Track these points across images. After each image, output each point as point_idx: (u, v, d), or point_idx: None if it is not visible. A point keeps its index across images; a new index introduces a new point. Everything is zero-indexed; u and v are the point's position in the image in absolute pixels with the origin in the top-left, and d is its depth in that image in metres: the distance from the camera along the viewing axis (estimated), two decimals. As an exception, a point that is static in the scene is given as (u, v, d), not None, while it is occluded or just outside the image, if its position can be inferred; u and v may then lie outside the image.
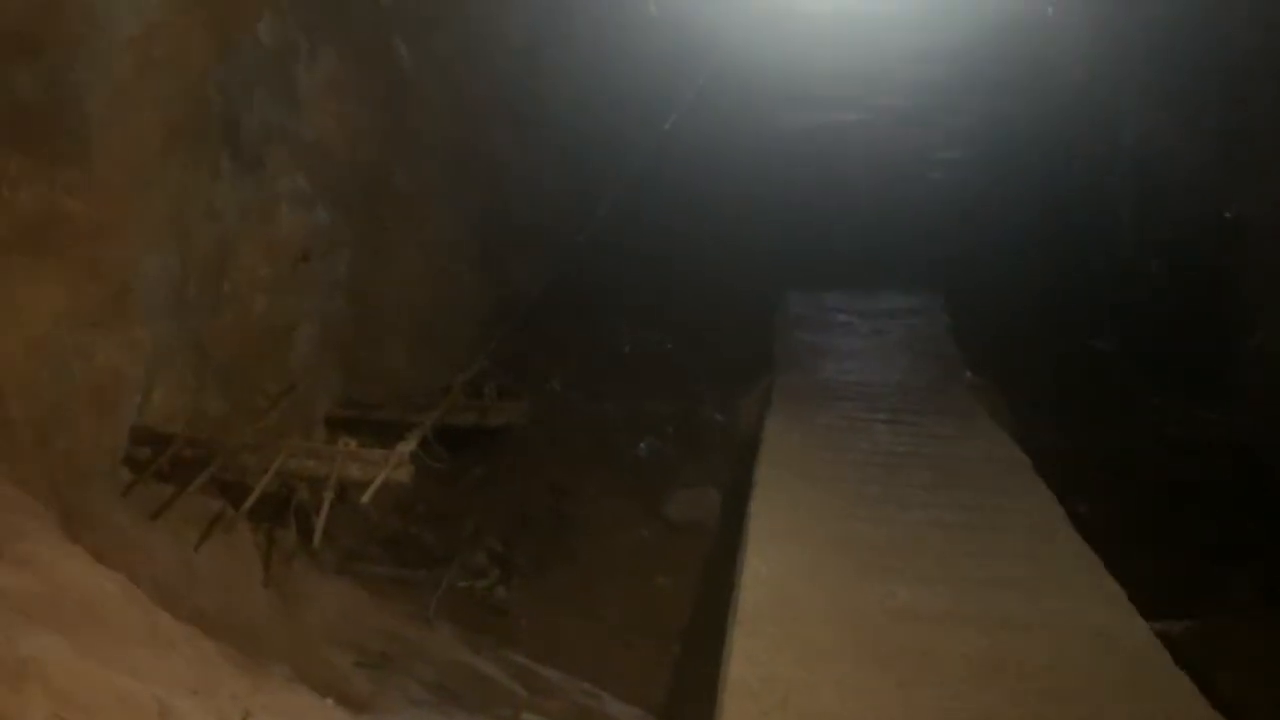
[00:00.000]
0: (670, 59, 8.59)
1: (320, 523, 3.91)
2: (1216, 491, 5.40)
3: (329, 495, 3.86)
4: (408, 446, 4.08)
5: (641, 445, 6.40)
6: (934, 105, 9.98)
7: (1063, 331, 7.00)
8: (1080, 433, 5.90)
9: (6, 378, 3.48)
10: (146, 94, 3.94)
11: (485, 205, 6.86)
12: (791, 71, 9.85)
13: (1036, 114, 8.77)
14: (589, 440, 6.38)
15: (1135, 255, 7.21)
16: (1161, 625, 3.60)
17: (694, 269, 7.86)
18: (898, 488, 4.55)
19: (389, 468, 4.00)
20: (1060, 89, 8.46)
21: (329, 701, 3.52)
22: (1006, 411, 5.99)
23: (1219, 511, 5.21)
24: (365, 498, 3.80)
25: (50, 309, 3.62)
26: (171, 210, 4.27)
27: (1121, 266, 7.33)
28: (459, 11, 6.43)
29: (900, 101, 10.18)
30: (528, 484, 5.99)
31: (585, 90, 7.67)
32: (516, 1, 7.05)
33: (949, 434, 5.31)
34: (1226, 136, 6.19)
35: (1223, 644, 4.07)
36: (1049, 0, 8.48)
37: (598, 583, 5.43)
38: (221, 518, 4.27)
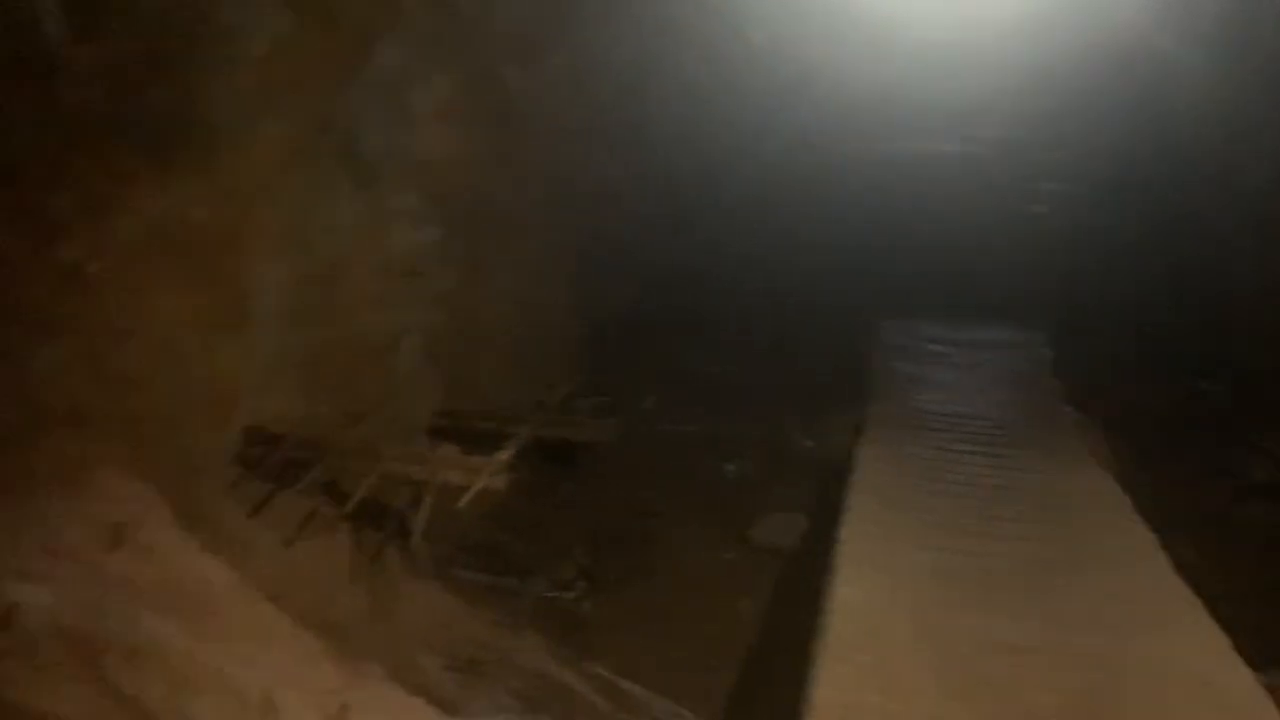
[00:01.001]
0: (772, 89, 8.62)
1: (420, 524, 4.01)
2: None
3: (428, 500, 3.96)
4: (505, 454, 4.16)
5: (728, 468, 6.40)
6: (1038, 138, 9.80)
7: (1168, 371, 6.80)
8: (1185, 475, 5.72)
9: (132, 375, 3.67)
10: (271, 111, 4.12)
11: (583, 228, 6.97)
12: (892, 102, 9.78)
13: (1146, 149, 8.57)
14: (676, 461, 6.40)
15: (1252, 295, 6.96)
16: (1267, 678, 3.47)
17: (788, 297, 7.85)
18: (992, 520, 4.47)
19: (487, 475, 4.09)
20: (1172, 124, 8.25)
21: (420, 702, 3.60)
22: (1108, 449, 5.84)
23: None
24: (463, 502, 3.89)
25: (175, 312, 3.81)
26: (291, 223, 4.45)
27: (1234, 306, 7.10)
28: (566, 40, 6.57)
29: (1004, 133, 10.03)
30: (615, 501, 6.04)
31: (686, 119, 7.75)
32: (623, 31, 7.17)
33: (1047, 469, 5.19)
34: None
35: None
36: (1163, 33, 8.29)
37: (680, 602, 5.44)
38: (323, 518, 4.42)
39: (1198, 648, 3.38)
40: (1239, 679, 3.23)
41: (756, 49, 8.19)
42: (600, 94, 6.82)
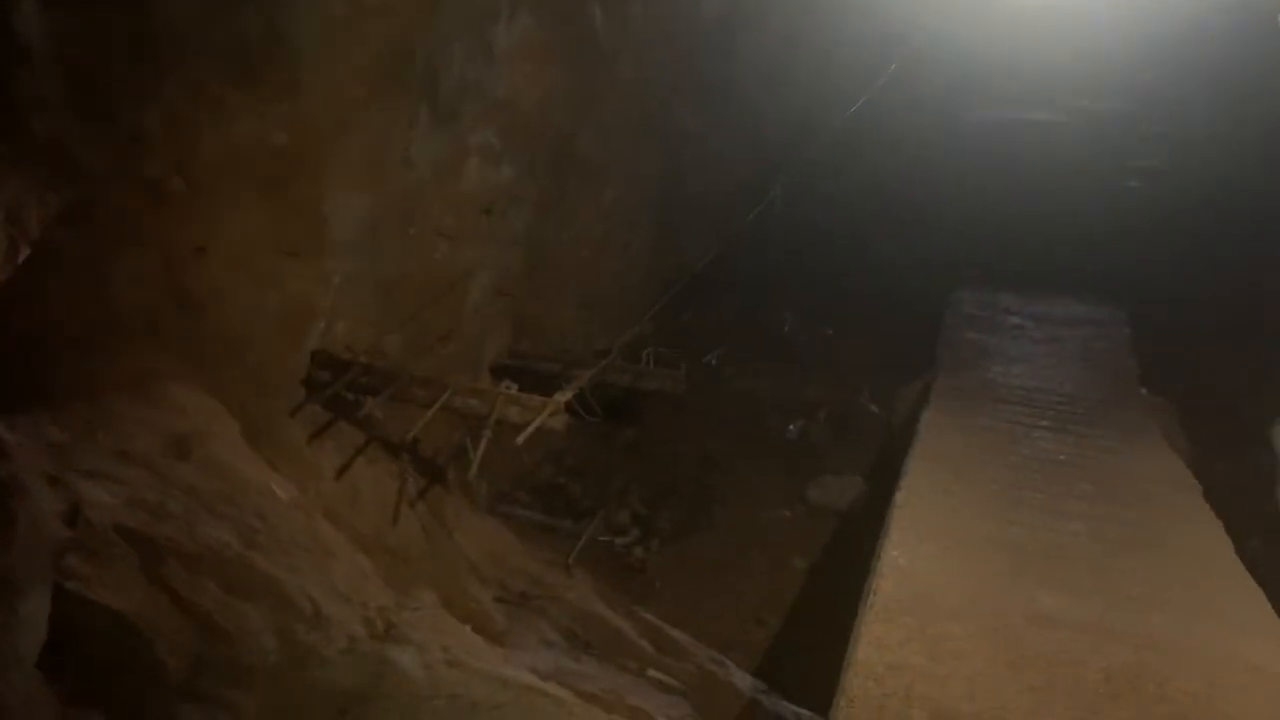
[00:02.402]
0: (864, 43, 8.42)
1: (476, 458, 4.06)
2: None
3: (487, 433, 4.00)
4: (564, 396, 4.18)
5: (791, 427, 6.37)
6: (1139, 112, 9.46)
7: (1251, 356, 6.56)
8: (1258, 463, 5.54)
9: (206, 292, 3.75)
10: (356, 40, 4.14)
11: (663, 174, 6.92)
12: (990, 65, 9.51)
13: (1249, 133, 8.21)
14: (741, 416, 6.39)
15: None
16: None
17: (865, 257, 7.74)
18: (1055, 496, 4.38)
19: (545, 414, 4.12)
20: (1272, 107, 7.88)
21: (467, 629, 3.67)
22: (1181, 432, 5.68)
23: None
24: (520, 439, 3.92)
25: (252, 233, 3.88)
26: (370, 153, 4.48)
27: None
28: (655, -18, 6.50)
29: (1103, 105, 9.69)
30: (676, 451, 6.06)
31: (774, 69, 7.62)
32: (715, -23, 7.07)
33: (1116, 448, 5.06)
34: None
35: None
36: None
37: (734, 555, 5.46)
38: (384, 445, 4.50)
39: (1255, 637, 3.29)
40: (1295, 670, 3.15)
41: (852, 4, 8.01)
42: (688, 39, 6.74)
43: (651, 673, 4.50)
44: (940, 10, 8.55)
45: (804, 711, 4.32)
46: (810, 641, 4.88)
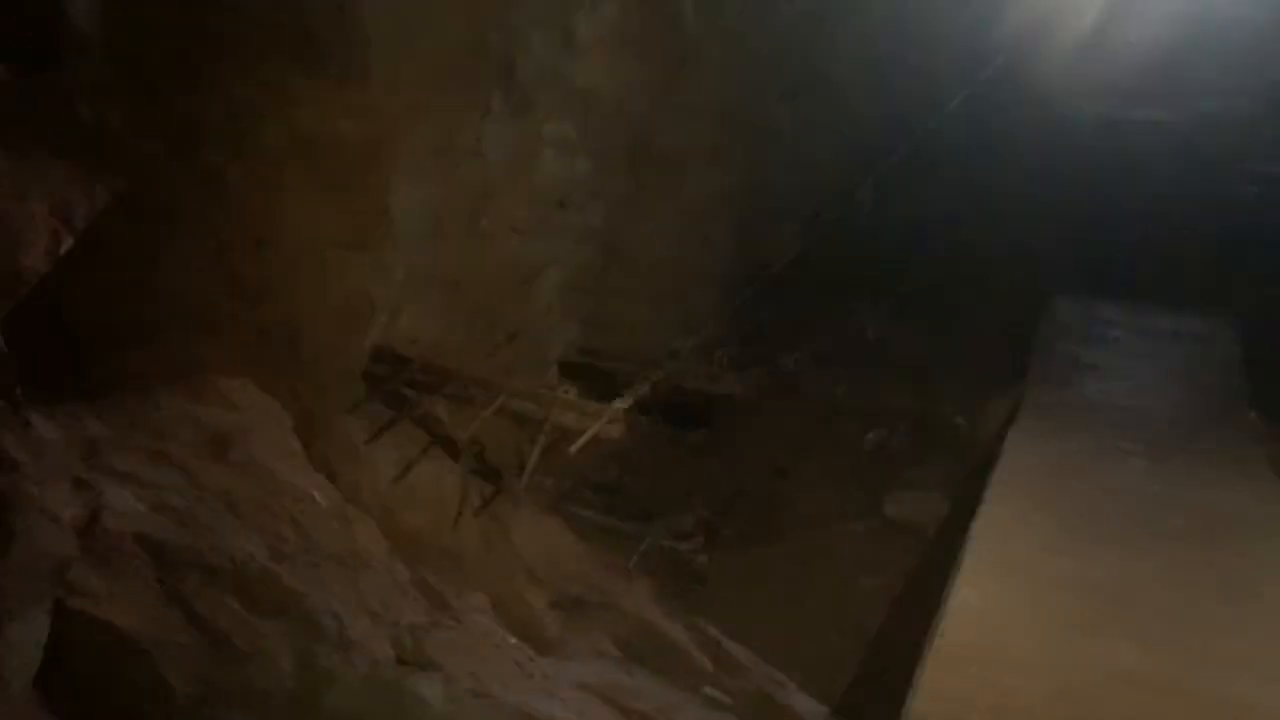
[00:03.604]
0: (966, 36, 8.01)
1: (530, 466, 3.91)
2: None
3: (541, 439, 3.84)
4: (623, 404, 4.00)
5: (869, 436, 6.07)
6: (1261, 114, 8.82)
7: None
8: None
9: (263, 284, 3.65)
10: (428, 26, 3.98)
11: (746, 169, 6.65)
12: (1099, 59, 8.98)
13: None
14: (815, 422, 6.11)
15: None
16: None
17: (958, 260, 7.35)
18: (1144, 533, 4.03)
19: (602, 421, 3.94)
20: None
21: (512, 641, 3.52)
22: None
23: None
24: (574, 449, 3.75)
25: (313, 224, 3.75)
26: (439, 143, 4.34)
27: None
28: (747, -30, 6.22)
29: (1221, 105, 9.07)
30: (746, 456, 5.81)
31: (869, 63, 7.27)
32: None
33: (1216, 479, 4.67)
34: None
35: None
36: None
37: (801, 569, 5.20)
38: (443, 443, 4.38)
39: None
40: None
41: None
42: (778, 30, 6.45)
43: (707, 690, 4.30)
44: (1051, 3, 8.09)
45: (866, 744, 4.09)
46: (877, 668, 4.63)
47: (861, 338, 6.68)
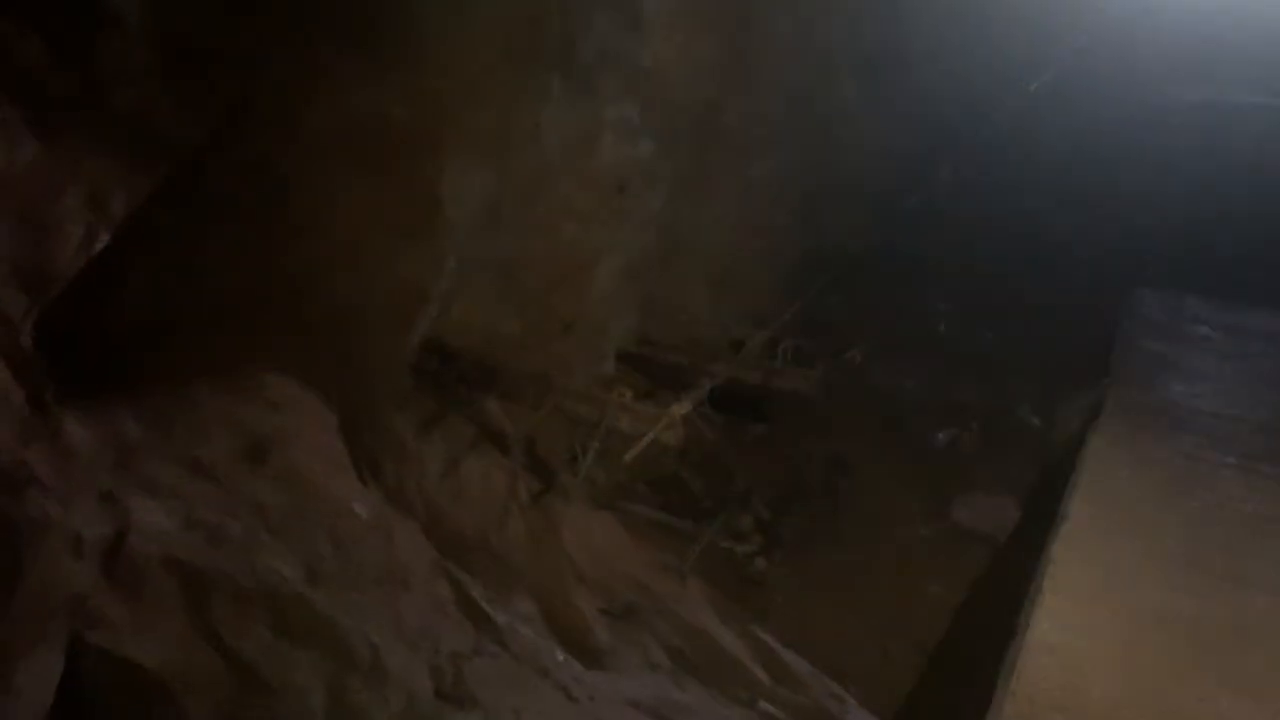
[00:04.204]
0: (1050, 14, 7.58)
1: (583, 469, 3.73)
2: None
3: (595, 445, 3.65)
4: (681, 409, 3.79)
5: (939, 435, 5.79)
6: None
7: None
8: None
9: (309, 273, 3.48)
10: (484, 7, 3.77)
11: (814, 152, 6.35)
12: (1189, 40, 8.47)
13: None
14: (882, 420, 5.84)
15: None
16: None
17: (1035, 251, 6.99)
18: (1239, 558, 3.73)
19: (659, 428, 3.74)
20: None
21: (559, 658, 3.35)
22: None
23: None
24: (629, 456, 3.56)
25: (361, 213, 3.58)
26: (495, 128, 4.13)
27: None
28: (822, -56, 5.90)
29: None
30: (808, 453, 5.56)
31: (946, 40, 6.89)
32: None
33: (1321, 499, 4.33)
34: None
35: None
36: None
37: (864, 575, 4.97)
38: (494, 439, 4.21)
39: None
40: None
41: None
42: (850, 7, 6.12)
43: (763, 705, 4.11)
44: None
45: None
46: (942, 683, 4.41)
47: (933, 330, 6.37)
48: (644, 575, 4.52)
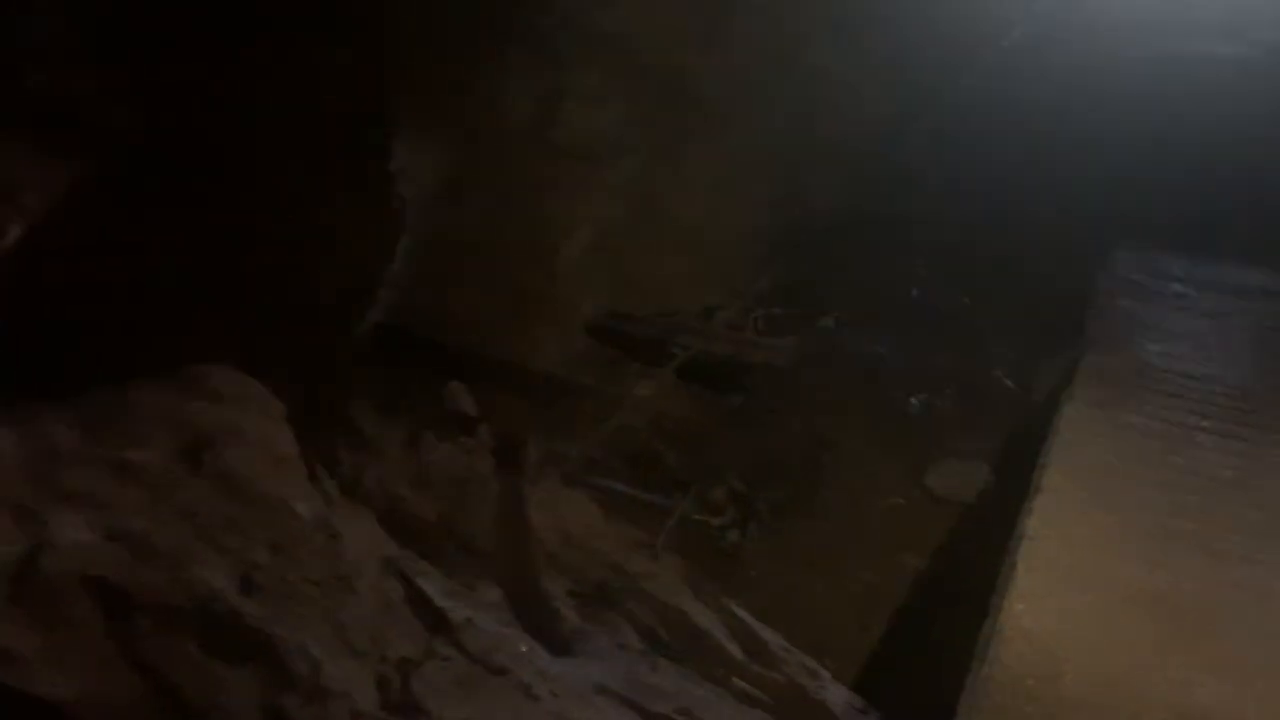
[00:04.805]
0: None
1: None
2: None
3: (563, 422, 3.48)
4: (646, 390, 3.62)
5: (914, 400, 5.63)
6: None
7: None
8: None
9: (257, 263, 3.29)
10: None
11: (791, 115, 6.12)
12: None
13: None
14: (858, 387, 5.67)
15: None
16: None
17: (1008, 211, 6.78)
18: (1216, 529, 3.58)
19: (631, 403, 3.58)
20: None
21: (523, 649, 3.21)
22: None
23: None
24: (600, 432, 3.40)
25: (308, 194, 3.38)
26: (450, 100, 3.92)
27: None
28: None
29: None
30: (783, 424, 5.39)
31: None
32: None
33: (1294, 462, 4.19)
34: None
35: None
36: None
37: (840, 546, 4.82)
38: (460, 420, 4.04)
39: None
40: None
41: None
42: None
43: (737, 682, 3.98)
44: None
45: (902, 737, 3.77)
46: (918, 652, 4.29)
47: (909, 295, 6.19)
48: (616, 554, 4.37)
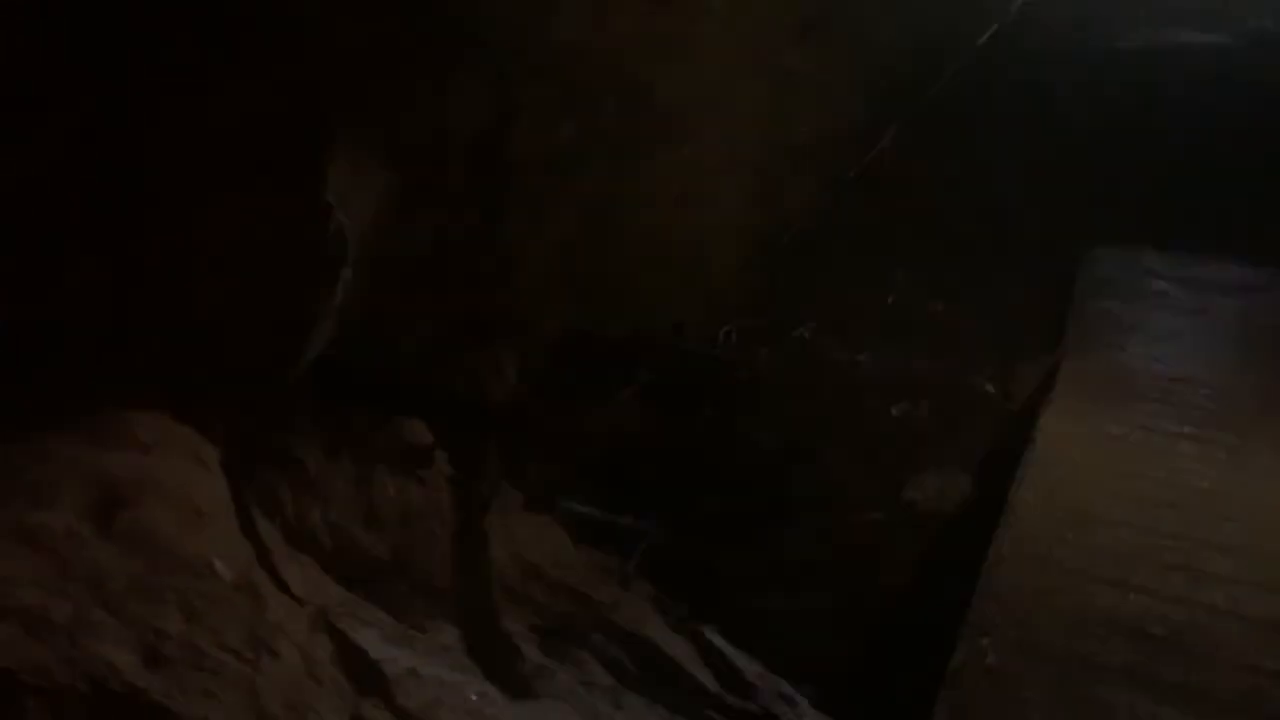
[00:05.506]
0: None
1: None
2: None
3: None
4: (613, 409, 3.47)
5: (893, 410, 5.46)
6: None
7: None
8: None
9: (187, 298, 3.12)
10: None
11: (761, 119, 5.96)
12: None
13: None
14: (836, 396, 5.50)
15: None
16: None
17: (988, 210, 6.62)
18: (1194, 547, 3.42)
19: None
20: None
21: (472, 697, 3.04)
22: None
23: None
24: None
25: (238, 225, 3.21)
26: (389, 120, 3.75)
27: None
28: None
29: (1269, 21, 8.10)
30: (757, 437, 5.23)
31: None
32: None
33: (1277, 469, 4.02)
34: None
35: None
36: None
37: (816, 563, 4.65)
38: (412, 456, 3.86)
39: None
40: None
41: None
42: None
43: (708, 714, 3.82)
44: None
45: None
46: (895, 673, 4.13)
47: (884, 301, 6.02)
48: (582, 583, 4.19)
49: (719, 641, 4.16)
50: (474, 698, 2.98)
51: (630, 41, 4.79)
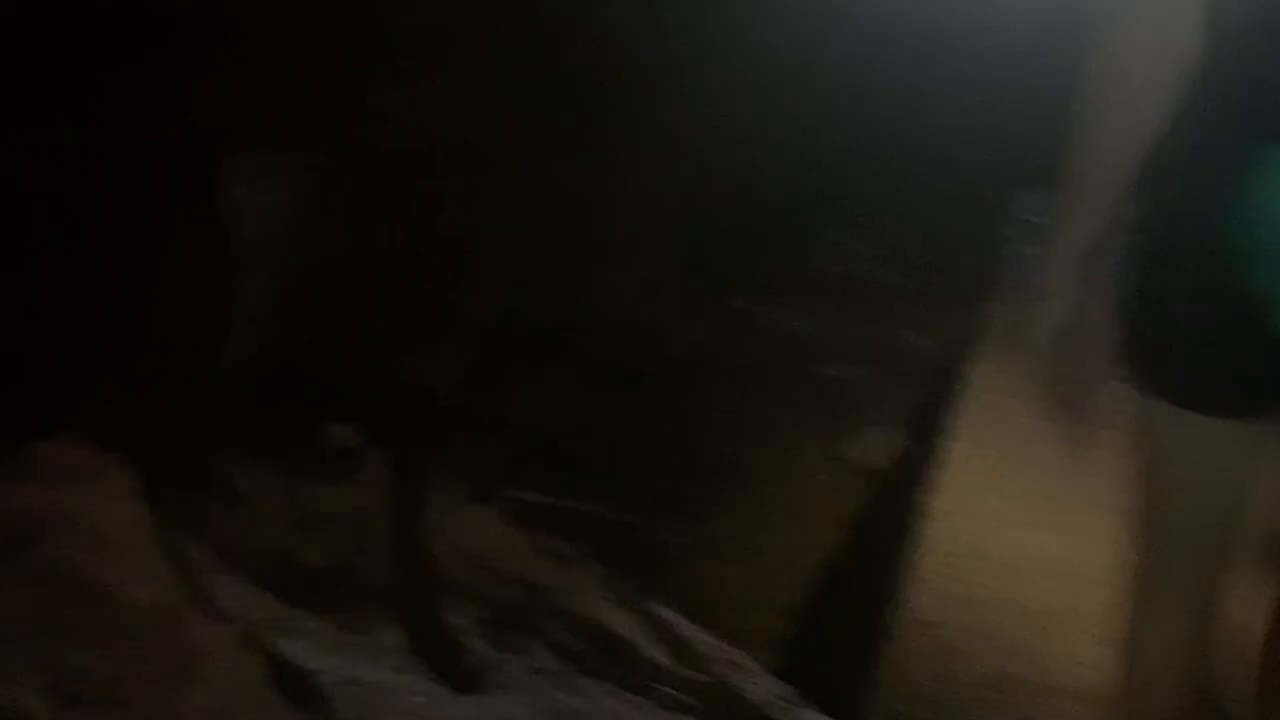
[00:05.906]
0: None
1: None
2: None
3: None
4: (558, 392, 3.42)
5: (829, 371, 5.44)
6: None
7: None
8: None
9: (98, 309, 3.00)
10: None
11: (719, 93, 5.86)
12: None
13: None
14: (775, 364, 5.48)
15: None
16: None
17: (916, 166, 6.59)
18: (1114, 485, 3.42)
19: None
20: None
21: (417, 699, 2.99)
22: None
23: None
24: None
25: (143, 235, 3.09)
26: (308, 118, 3.64)
27: None
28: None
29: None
30: (705, 412, 5.19)
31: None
32: None
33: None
34: None
35: None
36: None
37: (764, 531, 4.64)
38: (349, 461, 3.78)
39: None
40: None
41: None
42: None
43: (661, 689, 3.79)
44: None
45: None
46: (837, 631, 4.15)
47: (819, 268, 6.00)
48: (531, 571, 4.13)
49: (669, 616, 4.13)
50: (418, 699, 2.93)
51: (591, 24, 4.69)
